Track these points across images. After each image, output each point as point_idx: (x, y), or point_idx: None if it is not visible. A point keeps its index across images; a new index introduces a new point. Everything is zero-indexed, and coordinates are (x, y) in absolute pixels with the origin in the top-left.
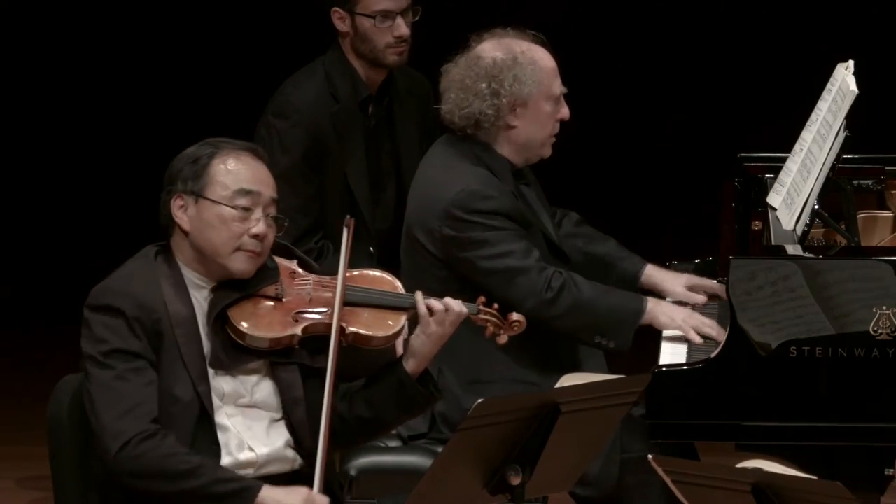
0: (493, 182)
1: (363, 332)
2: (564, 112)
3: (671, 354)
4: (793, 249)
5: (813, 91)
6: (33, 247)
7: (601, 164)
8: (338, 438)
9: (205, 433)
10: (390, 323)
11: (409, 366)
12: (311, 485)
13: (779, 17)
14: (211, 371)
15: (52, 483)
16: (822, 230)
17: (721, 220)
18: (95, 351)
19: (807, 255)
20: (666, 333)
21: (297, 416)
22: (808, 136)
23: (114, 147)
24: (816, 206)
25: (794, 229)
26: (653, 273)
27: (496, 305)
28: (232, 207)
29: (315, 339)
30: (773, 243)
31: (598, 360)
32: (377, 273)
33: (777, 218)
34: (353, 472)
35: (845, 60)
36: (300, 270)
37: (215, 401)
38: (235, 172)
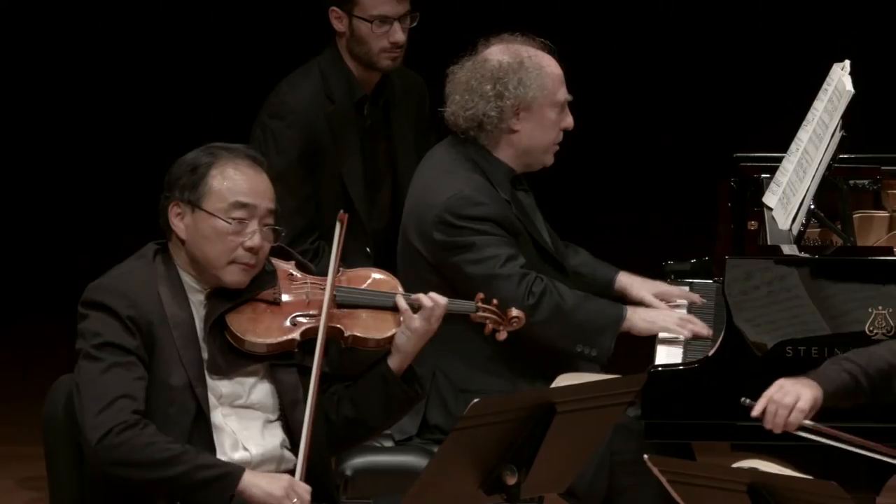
0: (487, 189)
1: (361, 334)
2: (568, 121)
3: (667, 354)
4: (789, 249)
5: (809, 91)
6: (31, 245)
7: (598, 166)
8: (327, 441)
9: (200, 434)
10: (388, 324)
11: (393, 363)
12: (307, 484)
13: (775, 17)
14: (208, 374)
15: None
16: (818, 230)
17: (717, 219)
18: (88, 345)
19: (803, 255)
20: (661, 334)
21: (295, 417)
22: (804, 135)
23: (110, 144)
24: (812, 206)
25: (790, 229)
26: (623, 280)
27: (495, 301)
28: (227, 221)
29: (315, 341)
30: (769, 243)
31: (592, 363)
32: (378, 274)
33: (773, 218)
34: (348, 472)
35: (841, 60)
36: (297, 272)
37: (212, 401)
38: (232, 184)
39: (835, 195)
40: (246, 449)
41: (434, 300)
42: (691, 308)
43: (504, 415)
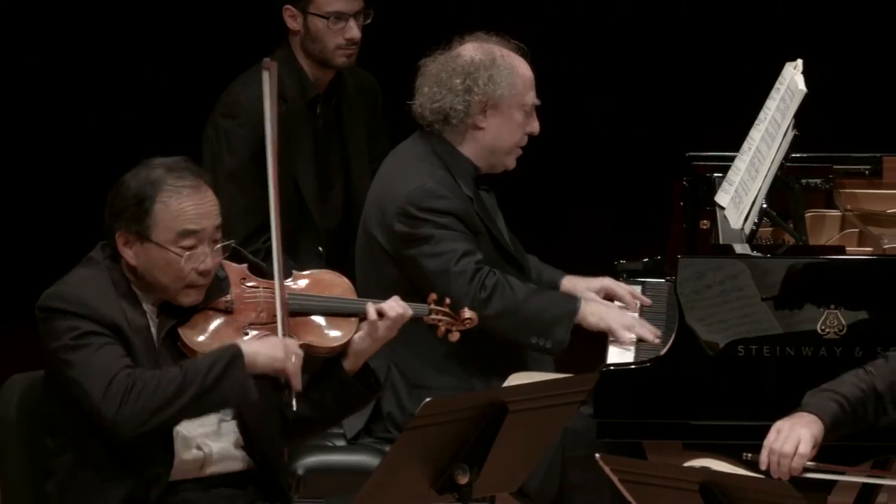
0: (450, 184)
1: (314, 342)
2: (535, 126)
3: (619, 354)
4: (741, 248)
5: (761, 90)
6: None
7: (550, 165)
8: (281, 435)
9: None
10: (342, 330)
11: (348, 364)
12: (261, 485)
13: (727, 15)
14: None
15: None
16: (771, 229)
17: (670, 218)
18: (65, 340)
19: (755, 254)
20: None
21: (251, 419)
22: (756, 134)
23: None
24: (765, 205)
25: (743, 228)
26: (566, 284)
27: (448, 301)
28: (177, 252)
29: None
30: (721, 242)
31: (545, 360)
32: (330, 277)
33: (725, 217)
34: (300, 472)
35: (794, 59)
36: (251, 275)
37: None
38: (178, 214)
39: (787, 194)
40: (200, 448)
41: (400, 309)
42: (641, 310)
43: (456, 414)
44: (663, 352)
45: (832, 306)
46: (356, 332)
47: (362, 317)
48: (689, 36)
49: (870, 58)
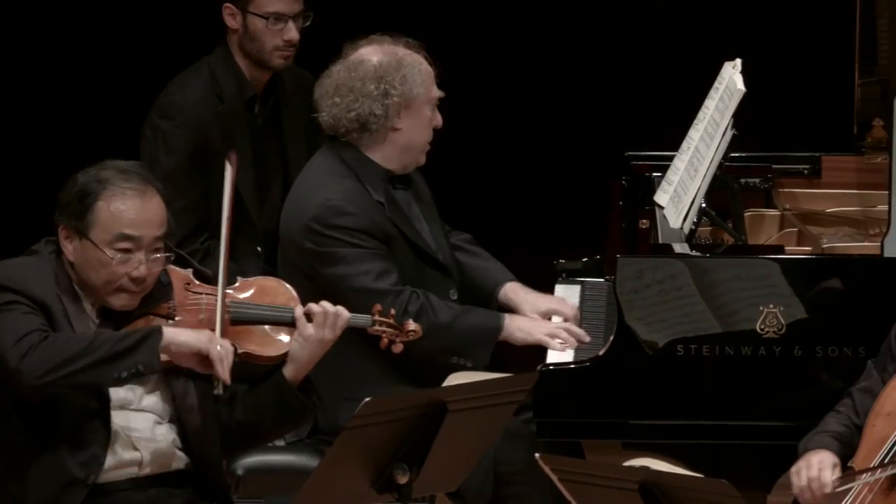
0: (358, 196)
1: (255, 351)
2: (438, 119)
3: (558, 353)
4: (680, 248)
5: (700, 89)
6: None
7: (488, 164)
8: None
9: (98, 432)
10: (283, 339)
11: (289, 372)
12: (200, 485)
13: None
14: None
15: None
16: (710, 228)
17: (609, 218)
18: None
19: (694, 253)
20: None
21: (191, 423)
22: (695, 134)
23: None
24: (704, 205)
25: (682, 228)
26: (509, 293)
27: (393, 312)
28: (111, 254)
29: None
30: (660, 242)
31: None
32: (276, 285)
33: (664, 216)
34: (240, 472)
35: (733, 59)
36: (195, 281)
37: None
38: (118, 216)
39: (726, 194)
40: (136, 449)
41: (332, 310)
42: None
43: (396, 414)
44: (602, 351)
45: (771, 305)
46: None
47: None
48: (628, 35)
49: (809, 57)
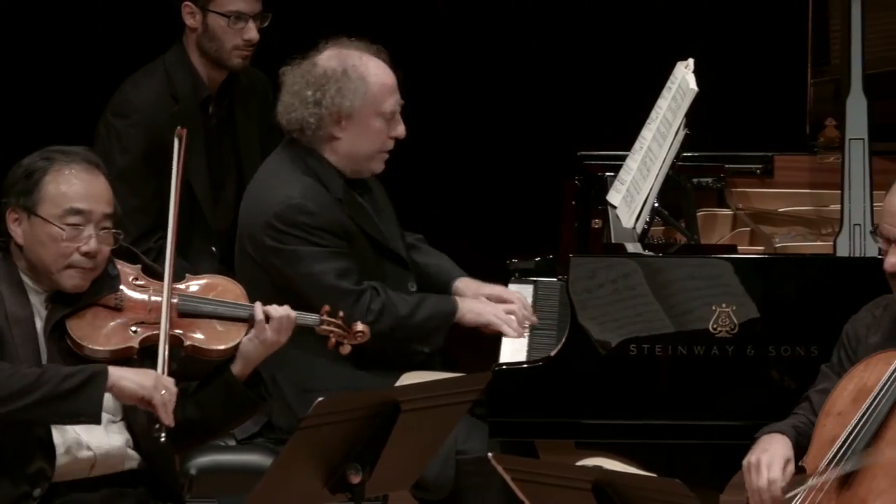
0: (317, 194)
1: (202, 344)
2: (399, 130)
3: (511, 353)
4: (633, 247)
5: (653, 89)
6: None
7: (441, 163)
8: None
9: (38, 432)
10: (231, 334)
11: (237, 368)
12: (152, 485)
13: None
14: None
15: None
16: (663, 228)
17: (561, 217)
18: None
19: (646, 253)
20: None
21: (138, 420)
22: (648, 134)
23: None
24: (656, 204)
25: (635, 227)
26: (459, 286)
27: (341, 314)
28: (61, 227)
29: (155, 348)
30: (613, 241)
31: (435, 360)
32: (223, 281)
33: (617, 216)
34: (193, 471)
35: (685, 58)
36: (143, 276)
37: None
38: (67, 190)
39: (679, 193)
40: (90, 449)
41: (285, 312)
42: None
43: (349, 413)
44: (555, 351)
45: (724, 305)
46: (245, 336)
47: (251, 322)
48: (581, 35)
49: (761, 56)
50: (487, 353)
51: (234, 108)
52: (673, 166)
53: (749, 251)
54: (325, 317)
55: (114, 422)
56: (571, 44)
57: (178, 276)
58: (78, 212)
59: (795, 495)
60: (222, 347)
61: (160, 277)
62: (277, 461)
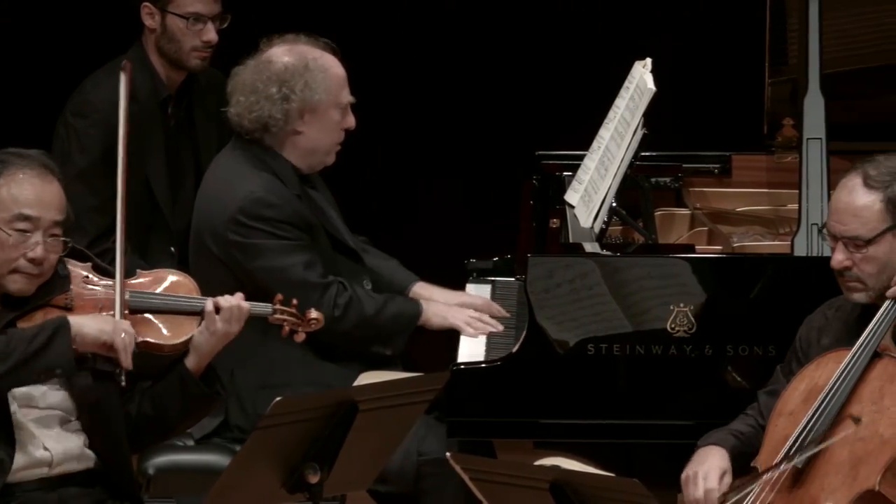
0: (278, 188)
1: (153, 340)
2: (350, 121)
3: (469, 353)
4: (590, 247)
5: (610, 88)
6: None
7: (398, 163)
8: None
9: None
10: (183, 329)
11: (191, 362)
12: (109, 484)
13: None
14: None
15: None
16: (621, 228)
17: (519, 217)
18: None
19: (604, 252)
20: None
21: (92, 419)
22: (605, 133)
23: None
24: (614, 204)
25: (592, 227)
26: (419, 291)
27: (295, 302)
28: (8, 232)
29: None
30: (570, 241)
31: (397, 358)
32: (175, 276)
33: (575, 215)
34: (150, 471)
35: (643, 58)
36: (94, 275)
37: (9, 399)
38: (17, 195)
39: (637, 193)
40: (46, 449)
41: (236, 303)
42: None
43: (306, 413)
44: (513, 351)
45: (681, 304)
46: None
47: (203, 315)
48: (537, 33)
49: (718, 56)
50: (446, 353)
51: (193, 108)
52: (631, 166)
53: (707, 251)
54: (277, 305)
55: (69, 420)
56: (528, 43)
57: (129, 273)
58: (26, 218)
59: (745, 496)
60: (174, 342)
61: (111, 276)
62: (235, 461)
